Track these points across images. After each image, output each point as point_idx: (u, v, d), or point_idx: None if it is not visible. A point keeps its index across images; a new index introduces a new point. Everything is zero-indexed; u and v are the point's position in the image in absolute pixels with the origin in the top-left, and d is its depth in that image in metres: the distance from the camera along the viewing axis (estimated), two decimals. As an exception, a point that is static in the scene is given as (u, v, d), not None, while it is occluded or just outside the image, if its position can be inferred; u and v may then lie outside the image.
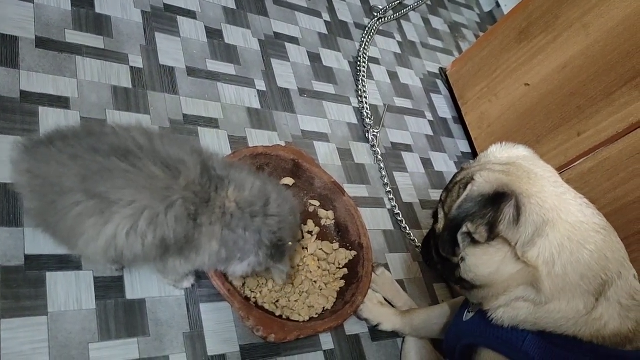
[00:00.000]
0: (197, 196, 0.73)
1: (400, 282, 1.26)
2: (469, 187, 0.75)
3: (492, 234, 0.72)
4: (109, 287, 0.87)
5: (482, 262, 0.77)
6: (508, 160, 0.82)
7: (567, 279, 0.72)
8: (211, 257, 0.79)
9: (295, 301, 1.02)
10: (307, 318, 1.00)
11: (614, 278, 0.72)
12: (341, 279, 1.11)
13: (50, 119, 0.97)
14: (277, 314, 0.99)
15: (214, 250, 0.78)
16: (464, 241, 0.77)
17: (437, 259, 0.87)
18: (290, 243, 0.85)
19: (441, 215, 0.85)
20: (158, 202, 0.69)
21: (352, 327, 1.12)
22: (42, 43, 1.04)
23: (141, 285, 0.91)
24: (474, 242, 0.76)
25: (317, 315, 1.03)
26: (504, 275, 0.76)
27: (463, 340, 0.87)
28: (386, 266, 1.26)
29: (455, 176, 0.85)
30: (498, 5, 2.55)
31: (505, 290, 0.77)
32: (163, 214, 0.69)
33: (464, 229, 0.74)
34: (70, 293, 0.83)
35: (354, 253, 1.14)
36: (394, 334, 1.15)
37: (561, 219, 0.72)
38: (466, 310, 0.91)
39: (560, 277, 0.72)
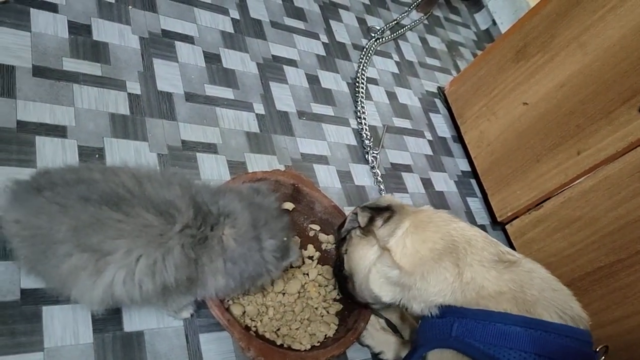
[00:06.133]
0: (194, 238, 0.73)
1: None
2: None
3: (370, 224, 0.94)
4: (106, 320, 0.86)
5: (356, 251, 0.98)
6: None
7: (420, 254, 0.87)
8: (219, 289, 0.80)
9: (297, 329, 1.01)
10: (308, 347, 0.98)
11: (464, 247, 0.85)
12: (340, 303, 1.10)
13: (47, 149, 0.96)
14: (278, 342, 0.97)
15: (221, 284, 0.79)
16: (352, 221, 0.99)
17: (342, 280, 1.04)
18: (285, 238, 0.87)
19: None
20: (154, 250, 0.68)
21: (355, 353, 1.10)
22: (39, 72, 1.03)
23: (139, 316, 0.89)
24: (357, 230, 0.99)
25: (319, 344, 1.01)
26: (369, 259, 0.96)
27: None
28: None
29: None
30: (494, 23, 2.57)
31: (375, 269, 0.94)
32: (161, 261, 0.69)
33: (355, 210, 0.98)
34: (67, 327, 0.82)
35: (355, 278, 1.12)
36: (397, 361, 1.13)
37: (411, 217, 0.92)
38: None
39: (413, 253, 0.88)
